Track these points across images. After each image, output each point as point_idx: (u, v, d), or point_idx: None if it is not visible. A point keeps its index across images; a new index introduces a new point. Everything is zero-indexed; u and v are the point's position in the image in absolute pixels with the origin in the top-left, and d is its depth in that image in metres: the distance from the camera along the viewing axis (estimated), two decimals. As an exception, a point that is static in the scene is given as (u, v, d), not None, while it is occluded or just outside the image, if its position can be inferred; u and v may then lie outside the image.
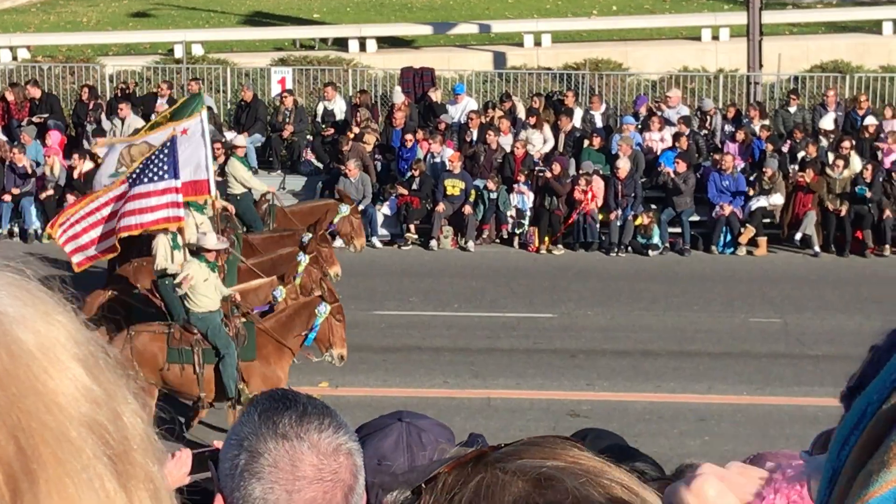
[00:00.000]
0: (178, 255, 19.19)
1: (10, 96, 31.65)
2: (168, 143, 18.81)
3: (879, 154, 28.36)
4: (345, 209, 23.69)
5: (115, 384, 1.10)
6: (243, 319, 18.68)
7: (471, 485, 1.57)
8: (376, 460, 3.20)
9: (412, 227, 28.32)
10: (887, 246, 27.23)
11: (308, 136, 30.67)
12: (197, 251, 18.47)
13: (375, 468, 3.10)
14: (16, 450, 0.97)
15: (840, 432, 1.17)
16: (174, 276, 18.95)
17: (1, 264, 1.07)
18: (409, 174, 28.20)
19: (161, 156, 18.67)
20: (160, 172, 18.56)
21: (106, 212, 19.10)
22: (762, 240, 27.63)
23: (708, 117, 30.38)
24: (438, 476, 1.61)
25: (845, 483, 1.15)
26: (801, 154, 28.31)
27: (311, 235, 21.49)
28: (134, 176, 18.81)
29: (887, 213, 26.98)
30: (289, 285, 20.07)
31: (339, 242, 23.78)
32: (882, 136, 28.76)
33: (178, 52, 35.67)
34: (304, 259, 20.91)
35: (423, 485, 1.63)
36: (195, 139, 19.60)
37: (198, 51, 35.92)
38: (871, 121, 29.25)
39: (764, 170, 27.82)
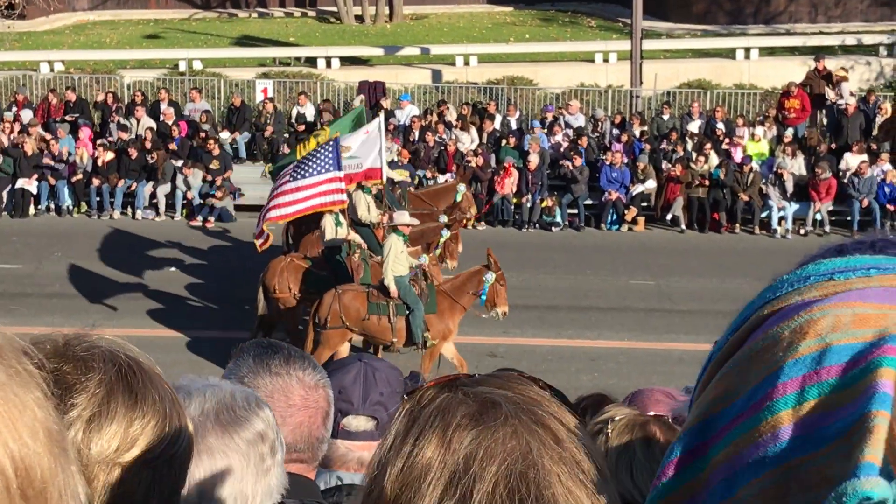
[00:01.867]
0: (341, 231, 19.30)
1: (52, 99, 31.47)
2: (331, 143, 18.69)
3: (731, 152, 28.54)
4: (462, 188, 23.56)
5: None
6: (427, 281, 18.60)
7: (437, 400, 1.63)
8: (338, 390, 3.24)
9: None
10: (737, 225, 27.47)
11: (285, 134, 30.55)
12: (394, 227, 18.28)
13: (336, 397, 3.15)
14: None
15: (698, 375, 1.21)
16: (339, 249, 19.14)
17: None
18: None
19: (325, 152, 18.53)
20: (326, 166, 18.38)
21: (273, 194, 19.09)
22: (641, 219, 27.77)
23: (599, 123, 30.46)
24: (419, 389, 1.68)
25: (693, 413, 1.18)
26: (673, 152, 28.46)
27: (445, 217, 21.59)
28: (300, 168, 18.63)
29: (743, 196, 27.15)
30: (431, 253, 20.09)
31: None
32: (733, 138, 28.96)
33: (182, 67, 35.47)
34: (446, 234, 20.96)
35: (405, 395, 1.70)
36: (374, 137, 19.57)
37: (198, 66, 35.68)
38: (722, 127, 29.49)
39: (637, 164, 27.98)
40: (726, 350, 1.15)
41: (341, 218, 19.37)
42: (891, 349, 1.02)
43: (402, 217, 18.53)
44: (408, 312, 18.26)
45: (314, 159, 18.55)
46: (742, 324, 1.15)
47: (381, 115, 21.69)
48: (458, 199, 23.18)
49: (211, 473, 2.40)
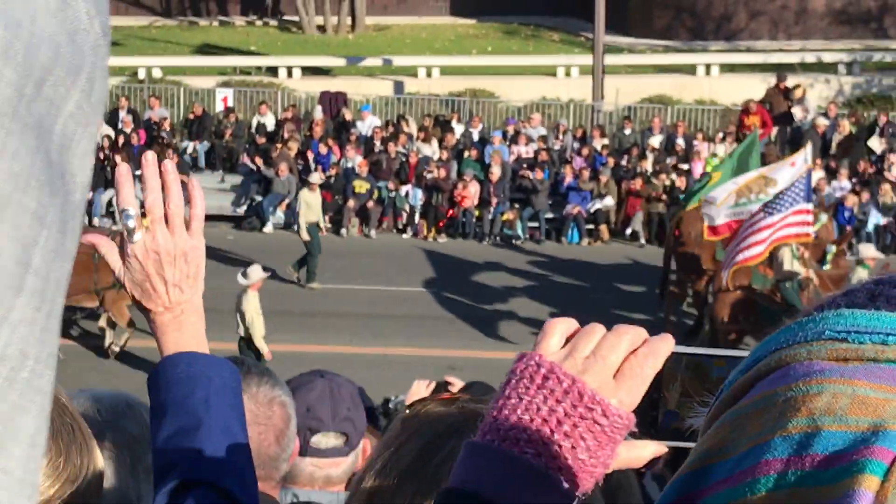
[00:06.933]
0: (796, 265, 18.61)
1: None
2: (805, 175, 18.12)
3: (691, 167, 28.67)
4: (823, 218, 22.12)
5: None
6: None
7: (432, 412, 1.74)
8: (305, 408, 3.19)
9: (326, 217, 28.17)
10: (697, 240, 27.53)
11: (245, 144, 30.43)
12: (859, 260, 17.71)
13: (304, 415, 3.10)
14: None
15: (708, 408, 1.11)
16: (794, 279, 18.56)
17: None
18: (327, 175, 28.11)
19: (799, 185, 17.95)
20: (797, 197, 17.87)
21: (746, 228, 18.30)
22: (605, 233, 27.85)
23: (561, 134, 30.54)
24: (422, 401, 1.78)
25: None
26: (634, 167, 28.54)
27: (834, 247, 20.50)
28: (773, 203, 18.06)
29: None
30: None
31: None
32: (692, 154, 29.10)
33: (142, 74, 35.31)
34: (829, 257, 20.13)
35: (407, 407, 1.80)
36: (799, 170, 18.61)
37: (157, 73, 35.53)
38: (681, 143, 29.64)
39: (600, 178, 28.03)
40: (731, 393, 1.04)
41: (797, 251, 18.60)
42: (879, 451, 0.89)
43: (869, 250, 17.99)
44: None
45: (789, 192, 18.03)
46: (752, 365, 1.03)
47: (809, 146, 20.75)
48: (817, 227, 22.19)
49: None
